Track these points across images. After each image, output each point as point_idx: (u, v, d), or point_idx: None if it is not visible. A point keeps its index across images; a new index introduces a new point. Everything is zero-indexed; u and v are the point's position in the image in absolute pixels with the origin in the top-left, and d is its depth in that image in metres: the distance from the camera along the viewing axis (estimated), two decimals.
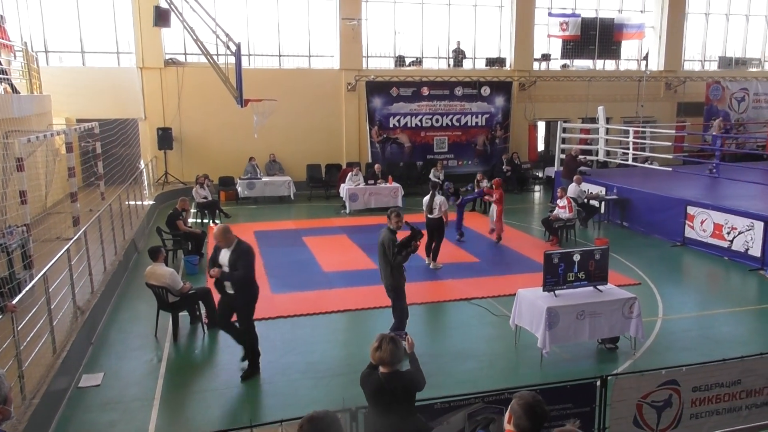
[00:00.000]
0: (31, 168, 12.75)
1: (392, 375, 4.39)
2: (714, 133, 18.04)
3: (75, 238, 9.15)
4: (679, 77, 24.37)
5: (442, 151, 21.79)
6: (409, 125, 21.43)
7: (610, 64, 24.38)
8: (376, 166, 18.88)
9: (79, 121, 17.80)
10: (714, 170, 16.71)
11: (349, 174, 18.27)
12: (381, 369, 4.41)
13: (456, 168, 21.78)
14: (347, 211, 17.55)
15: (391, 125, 21.27)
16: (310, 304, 9.92)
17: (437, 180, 19.80)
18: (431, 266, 11.87)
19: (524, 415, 3.21)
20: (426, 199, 12.10)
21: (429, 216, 11.92)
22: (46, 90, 16.81)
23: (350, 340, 8.87)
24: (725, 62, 25.64)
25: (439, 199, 11.86)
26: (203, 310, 9.05)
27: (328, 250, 13.31)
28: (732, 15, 25.53)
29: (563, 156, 18.00)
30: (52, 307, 7.09)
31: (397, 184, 18.12)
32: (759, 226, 11.82)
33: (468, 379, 7.30)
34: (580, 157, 17.69)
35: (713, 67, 25.86)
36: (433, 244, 11.97)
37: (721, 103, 23.74)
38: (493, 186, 14.14)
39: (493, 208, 13.88)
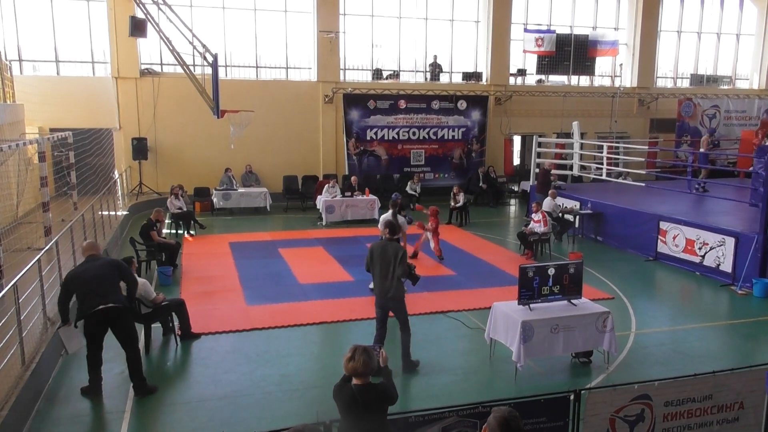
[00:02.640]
0: (3, 177, 12.58)
1: (365, 387, 4.39)
2: (702, 150, 18.13)
3: (46, 248, 9.01)
4: (652, 94, 24.77)
5: (419, 164, 21.89)
6: (386, 138, 21.50)
7: (584, 80, 24.72)
8: (353, 178, 18.90)
9: (52, 130, 17.56)
10: (698, 187, 16.75)
11: (326, 186, 18.26)
12: (354, 381, 4.41)
13: (432, 181, 21.89)
14: (324, 223, 17.51)
15: (368, 138, 21.32)
16: (285, 316, 9.86)
17: (413, 192, 19.95)
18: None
19: (498, 428, 3.22)
20: (384, 217, 11.06)
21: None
22: (19, 99, 16.60)
23: (325, 352, 8.83)
24: (697, 80, 26.17)
25: (401, 219, 11.27)
26: (176, 322, 8.96)
27: (304, 262, 13.26)
28: (704, 33, 26.08)
29: (538, 170, 18.17)
30: (21, 317, 6.95)
31: (374, 197, 18.13)
32: (730, 242, 12.02)
33: (442, 393, 7.30)
34: (553, 171, 17.89)
35: (685, 84, 26.36)
36: None
37: (692, 120, 24.19)
38: (430, 215, 13.37)
39: (429, 235, 13.36)
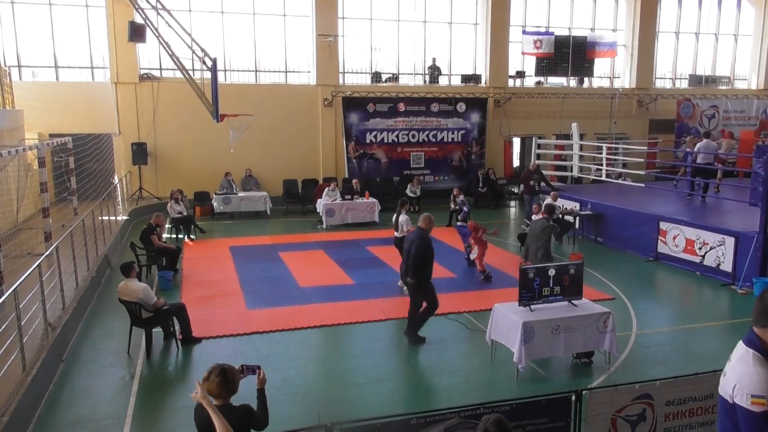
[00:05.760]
0: (3, 183, 12.59)
1: (222, 409, 4.16)
2: (688, 150, 18.20)
3: (47, 253, 9.01)
4: (651, 95, 24.79)
5: (419, 166, 21.89)
6: (385, 141, 21.50)
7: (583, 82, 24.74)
8: (354, 181, 18.90)
9: (52, 135, 17.57)
10: (677, 185, 17.09)
11: (326, 189, 18.26)
12: (213, 401, 4.19)
13: (432, 183, 21.89)
14: (324, 226, 17.51)
15: (367, 141, 21.32)
16: (285, 320, 9.86)
17: (413, 195, 19.97)
18: (399, 284, 11.51)
19: None
20: (395, 216, 11.97)
21: (395, 234, 11.83)
22: (18, 105, 16.63)
23: (326, 355, 8.83)
24: (695, 80, 26.19)
25: (402, 218, 11.63)
26: (177, 326, 8.95)
27: (304, 266, 13.26)
28: (702, 34, 26.11)
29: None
30: (22, 323, 6.95)
31: (374, 200, 18.14)
32: (730, 241, 12.02)
33: (444, 394, 7.30)
34: (552, 173, 17.92)
35: (684, 84, 26.38)
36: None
37: (691, 121, 24.20)
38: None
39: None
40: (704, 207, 15.26)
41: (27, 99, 16.96)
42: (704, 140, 16.42)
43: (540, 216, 13.73)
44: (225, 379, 4.16)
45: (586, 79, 24.61)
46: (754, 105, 25.27)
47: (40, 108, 17.41)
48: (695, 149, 16.30)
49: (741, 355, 3.21)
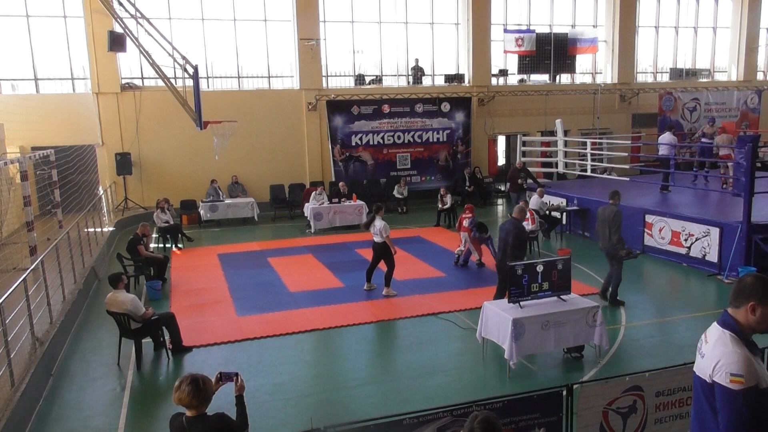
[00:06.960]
0: None
1: (196, 419, 4.06)
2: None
3: (32, 267, 8.93)
4: (633, 89, 24.95)
5: (405, 167, 21.91)
6: (371, 143, 21.51)
7: (565, 78, 24.86)
8: (341, 184, 18.89)
9: (34, 149, 17.39)
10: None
11: (313, 193, 18.24)
12: (187, 412, 4.10)
13: (419, 184, 21.92)
14: (312, 230, 17.49)
15: (353, 143, 21.33)
16: (276, 325, 9.83)
17: (400, 196, 19.99)
18: (384, 292, 11.24)
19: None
20: (369, 222, 11.39)
21: (375, 240, 11.21)
22: None
23: (317, 359, 8.80)
24: (676, 74, 26.37)
25: (380, 223, 11.05)
26: (167, 336, 8.90)
27: (293, 271, 13.22)
28: (681, 28, 26.33)
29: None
30: (9, 339, 6.89)
31: (362, 202, 18.14)
32: (715, 232, 12.13)
33: (437, 394, 7.30)
34: (538, 170, 18.00)
35: (665, 78, 26.56)
36: (381, 269, 11.37)
37: (673, 114, 24.37)
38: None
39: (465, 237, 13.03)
40: (688, 198, 15.36)
41: (7, 113, 16.78)
42: (666, 133, 16.99)
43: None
44: (197, 388, 3.99)
45: (568, 76, 24.70)
46: (734, 96, 25.50)
47: (20, 121, 17.21)
48: (658, 141, 16.80)
49: (719, 337, 3.45)
